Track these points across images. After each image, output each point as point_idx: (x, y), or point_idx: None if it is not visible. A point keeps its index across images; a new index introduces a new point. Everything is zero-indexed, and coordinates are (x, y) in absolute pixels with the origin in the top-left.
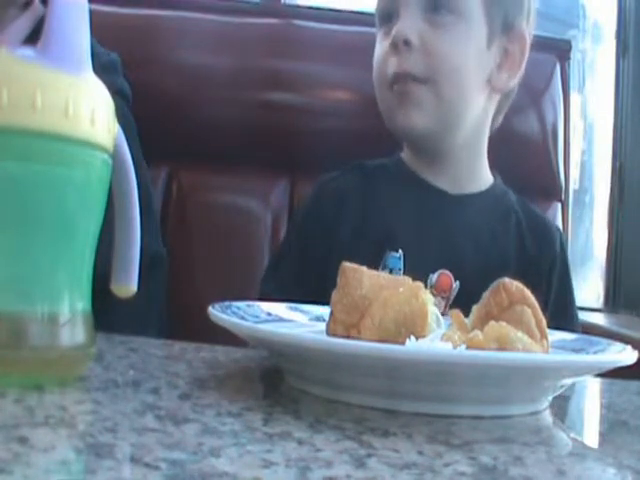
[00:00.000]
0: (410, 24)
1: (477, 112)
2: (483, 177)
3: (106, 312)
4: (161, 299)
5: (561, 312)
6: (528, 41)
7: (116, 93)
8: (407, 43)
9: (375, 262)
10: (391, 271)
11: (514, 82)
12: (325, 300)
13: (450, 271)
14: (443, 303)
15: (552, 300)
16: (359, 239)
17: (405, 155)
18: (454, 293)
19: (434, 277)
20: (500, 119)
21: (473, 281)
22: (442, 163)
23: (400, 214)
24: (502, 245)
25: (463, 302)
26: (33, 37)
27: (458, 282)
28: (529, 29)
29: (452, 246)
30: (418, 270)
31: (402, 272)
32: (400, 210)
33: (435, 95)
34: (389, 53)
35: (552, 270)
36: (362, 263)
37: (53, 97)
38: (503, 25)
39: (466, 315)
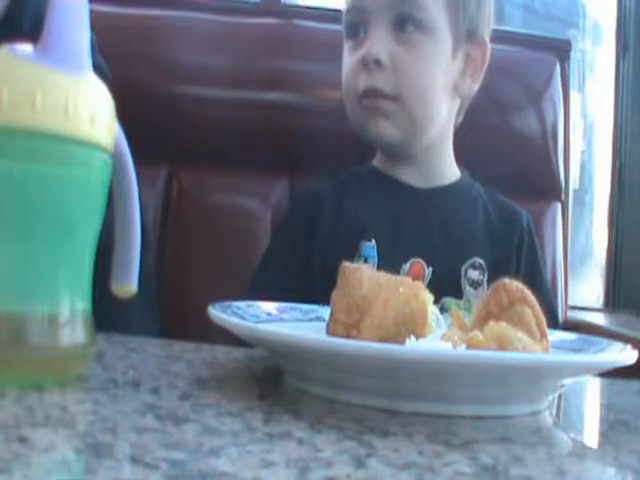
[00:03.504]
0: (380, 43)
1: (443, 118)
2: (450, 172)
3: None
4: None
5: (531, 285)
6: (489, 46)
7: (101, 73)
8: (378, 63)
9: (352, 253)
10: (366, 260)
11: (476, 87)
12: (310, 297)
13: (422, 259)
14: None
15: (522, 274)
16: (336, 234)
17: (377, 161)
18: (427, 280)
19: (407, 265)
20: (461, 118)
21: (444, 267)
22: (411, 163)
23: (373, 208)
24: (470, 232)
25: (436, 287)
26: (7, 22)
27: (431, 269)
28: (489, 33)
29: (423, 235)
30: (392, 259)
31: (376, 260)
32: (373, 205)
33: (403, 110)
34: (359, 69)
35: (520, 245)
36: (340, 255)
37: (53, 97)
38: (467, 33)
39: (437, 301)
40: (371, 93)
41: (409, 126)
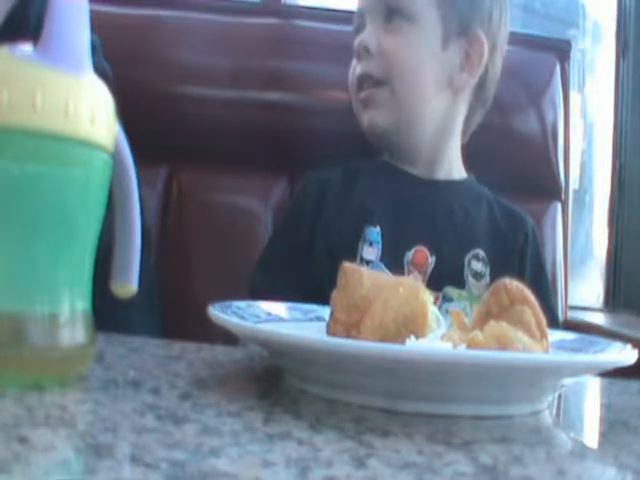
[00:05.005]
0: (370, 34)
1: (439, 110)
2: (456, 170)
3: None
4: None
5: (536, 289)
6: (486, 45)
7: (102, 75)
8: (367, 50)
9: (356, 238)
10: (371, 244)
11: (474, 80)
12: (311, 283)
13: (426, 247)
14: (420, 277)
15: (527, 276)
16: (341, 217)
17: (384, 158)
18: (430, 268)
19: (411, 253)
20: (475, 122)
21: (448, 256)
22: (415, 158)
23: (378, 195)
24: (474, 224)
25: (439, 276)
26: (13, 23)
27: (434, 257)
28: (491, 33)
29: (427, 224)
30: (396, 246)
31: (380, 245)
32: (378, 192)
33: (392, 94)
34: (355, 61)
35: (524, 247)
36: (344, 239)
37: (53, 97)
38: (459, 28)
39: (439, 289)
40: (363, 81)
41: (398, 112)
